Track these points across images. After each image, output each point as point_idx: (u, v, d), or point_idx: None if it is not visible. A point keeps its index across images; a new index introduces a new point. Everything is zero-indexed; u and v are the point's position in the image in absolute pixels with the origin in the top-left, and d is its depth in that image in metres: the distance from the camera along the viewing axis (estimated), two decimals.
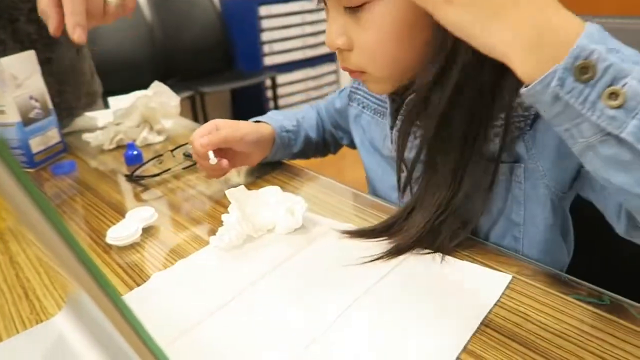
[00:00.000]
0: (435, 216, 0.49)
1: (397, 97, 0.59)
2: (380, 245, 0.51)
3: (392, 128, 0.60)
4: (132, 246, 0.56)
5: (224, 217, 0.55)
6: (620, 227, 0.45)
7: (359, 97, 0.69)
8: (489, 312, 0.41)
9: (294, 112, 0.79)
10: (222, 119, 0.66)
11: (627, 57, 0.33)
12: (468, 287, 0.44)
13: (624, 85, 0.32)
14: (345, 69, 0.53)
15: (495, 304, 0.42)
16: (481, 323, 0.40)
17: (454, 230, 0.50)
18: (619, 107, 0.32)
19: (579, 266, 0.57)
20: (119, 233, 0.55)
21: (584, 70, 0.33)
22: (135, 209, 0.60)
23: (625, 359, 0.36)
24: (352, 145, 0.78)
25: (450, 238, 0.50)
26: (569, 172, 0.49)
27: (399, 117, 0.57)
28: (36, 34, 0.89)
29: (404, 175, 0.57)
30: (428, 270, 0.47)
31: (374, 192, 0.69)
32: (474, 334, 0.39)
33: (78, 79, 1.01)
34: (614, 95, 0.32)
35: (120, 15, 0.71)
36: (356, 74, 0.53)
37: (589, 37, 0.33)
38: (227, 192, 0.58)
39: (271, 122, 0.72)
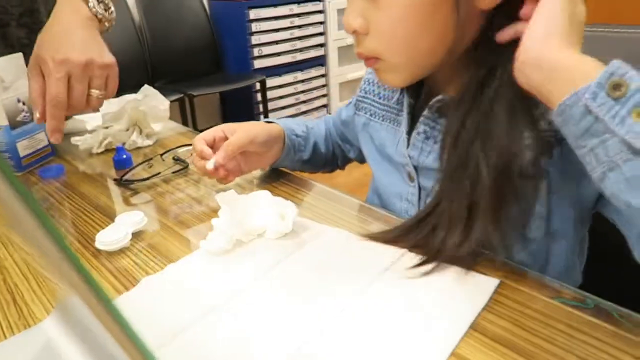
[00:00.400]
0: (461, 232, 0.47)
1: (412, 100, 0.59)
2: (383, 251, 0.50)
3: (408, 133, 0.59)
4: (122, 251, 0.55)
5: (214, 221, 0.55)
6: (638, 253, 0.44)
7: (365, 105, 0.68)
8: (477, 316, 0.41)
9: (303, 120, 0.79)
10: (228, 124, 0.67)
11: None
12: (457, 292, 0.45)
13: None
14: (360, 55, 0.53)
15: (484, 308, 0.42)
16: (469, 327, 0.40)
17: (475, 246, 0.47)
18: None
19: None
20: (108, 238, 0.55)
21: (616, 87, 0.35)
22: (124, 213, 0.60)
23: None
24: (359, 158, 0.77)
25: (472, 254, 0.47)
26: (594, 190, 0.48)
27: (423, 120, 0.57)
28: (27, 38, 0.90)
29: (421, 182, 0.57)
30: (417, 275, 0.47)
31: (378, 199, 0.68)
32: (462, 338, 0.39)
33: None
34: None
35: (102, 102, 0.78)
36: (371, 61, 0.53)
37: (619, 63, 0.36)
38: (217, 196, 0.58)
39: (280, 123, 0.72)
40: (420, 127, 0.57)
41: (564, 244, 0.53)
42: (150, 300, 0.47)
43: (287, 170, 0.75)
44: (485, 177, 0.46)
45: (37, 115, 0.73)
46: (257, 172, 0.74)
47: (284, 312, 0.44)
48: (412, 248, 0.50)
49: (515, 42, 0.43)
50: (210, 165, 0.62)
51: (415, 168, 0.59)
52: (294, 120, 0.77)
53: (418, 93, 0.59)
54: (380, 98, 0.66)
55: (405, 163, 0.60)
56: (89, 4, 0.76)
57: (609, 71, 0.36)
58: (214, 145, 0.65)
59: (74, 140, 0.90)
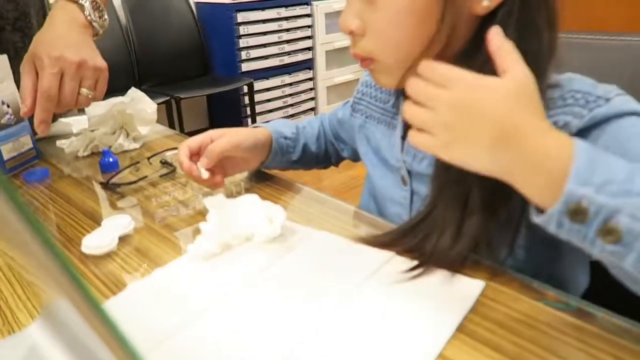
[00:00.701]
0: (452, 237, 0.48)
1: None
2: (372, 254, 0.50)
3: (403, 137, 0.59)
4: (109, 255, 0.55)
5: (201, 225, 0.55)
6: None
7: (362, 107, 0.69)
8: (464, 319, 0.42)
9: (296, 122, 0.79)
10: (216, 130, 0.67)
11: (618, 188, 0.34)
12: (443, 294, 0.45)
13: (617, 223, 0.34)
14: (355, 55, 0.53)
15: (470, 311, 0.43)
16: (456, 329, 0.41)
17: (465, 251, 0.48)
18: (616, 242, 0.34)
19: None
20: (95, 242, 0.55)
21: (577, 212, 0.35)
22: (111, 217, 0.60)
23: None
24: (353, 157, 0.78)
25: (460, 258, 0.48)
26: None
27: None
28: (21, 42, 0.90)
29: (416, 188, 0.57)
30: (405, 278, 0.47)
31: (373, 201, 0.68)
32: (448, 340, 0.40)
33: None
34: (610, 232, 0.34)
35: (90, 101, 0.80)
36: (366, 62, 0.53)
37: (577, 177, 0.35)
38: (205, 200, 0.58)
39: (269, 127, 0.72)
40: None
41: (565, 252, 0.53)
42: (137, 305, 0.47)
43: (276, 171, 0.75)
44: (482, 188, 0.46)
45: (24, 109, 0.74)
46: (245, 176, 0.74)
47: (273, 315, 0.44)
48: (403, 252, 0.50)
49: None
50: (204, 175, 0.62)
51: (409, 172, 0.60)
52: (285, 122, 0.77)
53: None
54: (376, 100, 0.66)
55: (400, 167, 0.60)
56: (85, 12, 0.78)
57: (565, 201, 0.35)
58: (199, 152, 0.65)
59: (60, 143, 0.89)
